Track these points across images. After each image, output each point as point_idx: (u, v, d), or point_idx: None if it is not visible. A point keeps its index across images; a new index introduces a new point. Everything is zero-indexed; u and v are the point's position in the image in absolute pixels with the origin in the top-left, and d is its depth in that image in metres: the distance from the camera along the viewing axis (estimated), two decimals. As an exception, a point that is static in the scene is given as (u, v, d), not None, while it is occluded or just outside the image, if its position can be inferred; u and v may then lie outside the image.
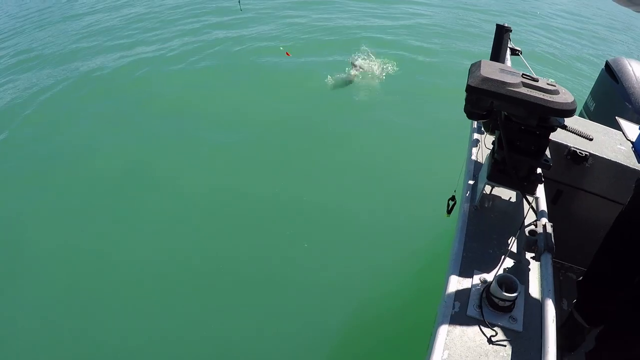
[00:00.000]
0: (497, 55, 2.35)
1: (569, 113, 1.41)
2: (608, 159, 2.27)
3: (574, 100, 1.42)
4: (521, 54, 2.59)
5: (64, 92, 6.86)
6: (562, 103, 1.39)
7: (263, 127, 5.65)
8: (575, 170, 2.36)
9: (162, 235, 4.12)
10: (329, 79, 6.76)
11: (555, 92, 1.42)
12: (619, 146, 2.39)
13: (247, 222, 4.26)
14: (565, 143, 2.31)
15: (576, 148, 2.28)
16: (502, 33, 2.35)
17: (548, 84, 1.47)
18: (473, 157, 2.10)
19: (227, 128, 5.72)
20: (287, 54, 6.85)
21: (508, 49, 2.55)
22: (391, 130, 5.69)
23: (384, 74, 7.09)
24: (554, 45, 9.55)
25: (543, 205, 1.67)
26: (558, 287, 2.52)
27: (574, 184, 2.43)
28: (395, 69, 7.24)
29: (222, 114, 6.07)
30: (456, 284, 1.41)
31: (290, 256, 3.88)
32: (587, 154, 2.27)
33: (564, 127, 1.59)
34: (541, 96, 1.41)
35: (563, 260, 2.73)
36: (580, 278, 1.91)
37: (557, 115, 1.42)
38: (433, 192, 4.26)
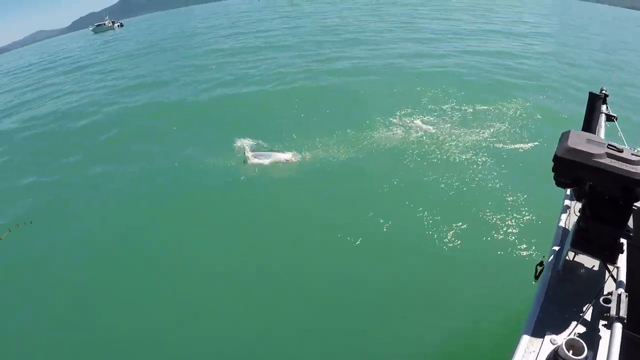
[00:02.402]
0: (588, 123, 2.35)
1: None
2: None
3: None
4: (616, 120, 2.54)
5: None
6: None
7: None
8: None
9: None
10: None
11: (639, 163, 1.45)
12: None
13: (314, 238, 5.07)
14: None
15: None
16: (594, 101, 2.35)
17: (633, 154, 1.49)
18: (561, 224, 2.09)
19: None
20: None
21: (603, 115, 2.52)
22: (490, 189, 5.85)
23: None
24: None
25: (622, 275, 1.64)
26: None
27: None
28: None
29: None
30: (527, 343, 1.44)
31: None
32: None
33: None
34: (624, 167, 1.44)
35: None
36: None
37: (639, 186, 1.44)
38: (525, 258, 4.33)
